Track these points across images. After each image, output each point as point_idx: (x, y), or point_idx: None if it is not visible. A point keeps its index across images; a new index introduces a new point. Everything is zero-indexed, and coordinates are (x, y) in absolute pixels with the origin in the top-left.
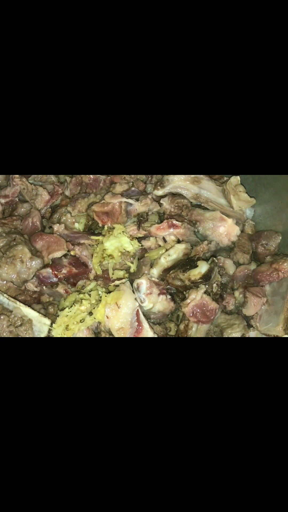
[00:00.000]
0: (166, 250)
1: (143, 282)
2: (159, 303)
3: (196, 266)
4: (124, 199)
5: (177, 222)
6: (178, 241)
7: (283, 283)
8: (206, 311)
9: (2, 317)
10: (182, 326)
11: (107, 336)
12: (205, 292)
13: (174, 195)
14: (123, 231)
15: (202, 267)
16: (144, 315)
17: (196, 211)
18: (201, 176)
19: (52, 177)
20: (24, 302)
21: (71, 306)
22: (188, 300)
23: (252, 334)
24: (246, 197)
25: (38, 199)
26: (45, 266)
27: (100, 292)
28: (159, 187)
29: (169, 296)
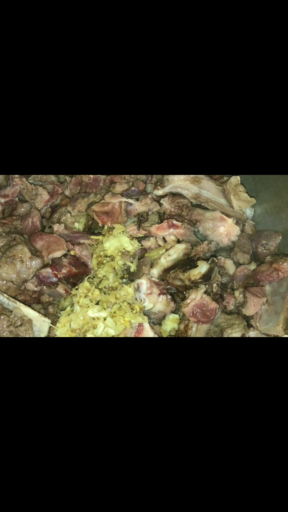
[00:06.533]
0: (166, 250)
1: (143, 282)
2: (160, 303)
3: (196, 266)
4: (124, 199)
5: (177, 222)
6: (178, 241)
7: (283, 283)
8: (206, 311)
9: (2, 317)
10: (182, 326)
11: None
12: (205, 292)
13: (174, 195)
14: (123, 231)
15: (202, 267)
16: (145, 315)
17: (196, 211)
18: (201, 176)
19: (52, 177)
20: (24, 302)
21: (72, 306)
22: (188, 300)
23: (252, 334)
24: (246, 197)
25: (38, 199)
26: (45, 266)
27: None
28: (159, 187)
29: (169, 296)
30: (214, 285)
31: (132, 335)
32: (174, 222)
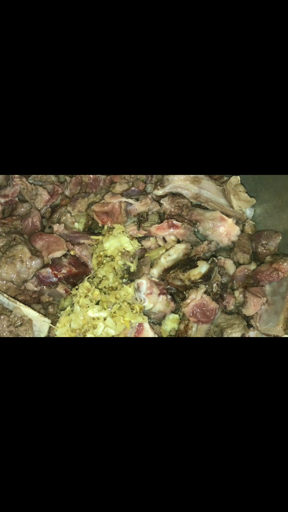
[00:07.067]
0: (166, 250)
1: (143, 282)
2: (160, 303)
3: (196, 266)
4: (124, 199)
5: (177, 222)
6: (178, 241)
7: (283, 283)
8: (206, 311)
9: (2, 317)
10: (182, 326)
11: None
12: (205, 292)
13: (174, 195)
14: (123, 231)
15: (202, 267)
16: (145, 315)
17: (196, 211)
18: (201, 176)
19: (52, 177)
20: (24, 302)
21: (72, 306)
22: (188, 300)
23: (252, 334)
24: (246, 197)
25: (38, 199)
26: (45, 266)
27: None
28: (159, 187)
29: (169, 296)
30: (214, 285)
31: (132, 335)
32: (174, 222)
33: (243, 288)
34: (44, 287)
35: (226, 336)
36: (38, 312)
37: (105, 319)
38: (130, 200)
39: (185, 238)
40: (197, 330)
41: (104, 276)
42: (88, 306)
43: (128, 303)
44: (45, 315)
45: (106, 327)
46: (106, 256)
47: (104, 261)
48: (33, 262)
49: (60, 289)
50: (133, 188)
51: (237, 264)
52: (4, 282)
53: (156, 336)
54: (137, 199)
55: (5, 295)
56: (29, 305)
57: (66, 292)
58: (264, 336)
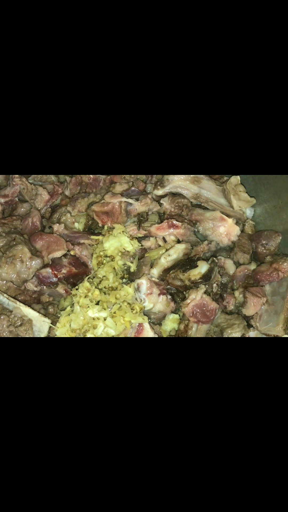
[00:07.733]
0: (166, 250)
1: (143, 282)
2: (160, 303)
3: (196, 266)
4: (124, 199)
5: (177, 222)
6: (178, 241)
7: (283, 283)
8: (206, 311)
9: (2, 317)
10: (182, 326)
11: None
12: (205, 292)
13: (174, 195)
14: (123, 231)
15: (202, 267)
16: (145, 315)
17: (196, 211)
18: (201, 176)
19: (52, 177)
20: (24, 302)
21: (72, 306)
22: (188, 300)
23: (252, 334)
24: (246, 197)
25: (38, 199)
26: (45, 266)
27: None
28: (159, 187)
29: (169, 296)
30: (214, 285)
31: (132, 335)
32: (174, 222)
33: (243, 288)
34: (44, 287)
35: (226, 336)
36: (38, 312)
37: (105, 319)
38: (130, 200)
39: (185, 238)
40: (197, 330)
41: (104, 276)
42: (88, 306)
43: (128, 303)
44: (45, 315)
45: (106, 327)
46: (106, 256)
47: (104, 261)
48: (33, 262)
49: (60, 289)
50: (133, 188)
51: (237, 264)
52: (4, 282)
53: (156, 336)
54: (137, 199)
55: (5, 295)
56: (29, 305)
57: (66, 292)
58: (264, 336)
